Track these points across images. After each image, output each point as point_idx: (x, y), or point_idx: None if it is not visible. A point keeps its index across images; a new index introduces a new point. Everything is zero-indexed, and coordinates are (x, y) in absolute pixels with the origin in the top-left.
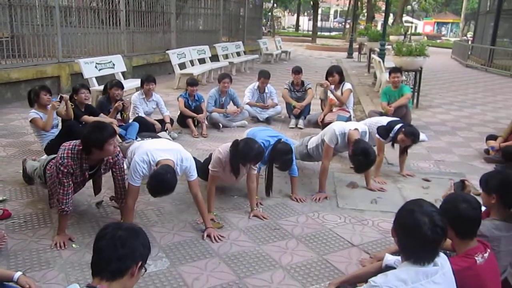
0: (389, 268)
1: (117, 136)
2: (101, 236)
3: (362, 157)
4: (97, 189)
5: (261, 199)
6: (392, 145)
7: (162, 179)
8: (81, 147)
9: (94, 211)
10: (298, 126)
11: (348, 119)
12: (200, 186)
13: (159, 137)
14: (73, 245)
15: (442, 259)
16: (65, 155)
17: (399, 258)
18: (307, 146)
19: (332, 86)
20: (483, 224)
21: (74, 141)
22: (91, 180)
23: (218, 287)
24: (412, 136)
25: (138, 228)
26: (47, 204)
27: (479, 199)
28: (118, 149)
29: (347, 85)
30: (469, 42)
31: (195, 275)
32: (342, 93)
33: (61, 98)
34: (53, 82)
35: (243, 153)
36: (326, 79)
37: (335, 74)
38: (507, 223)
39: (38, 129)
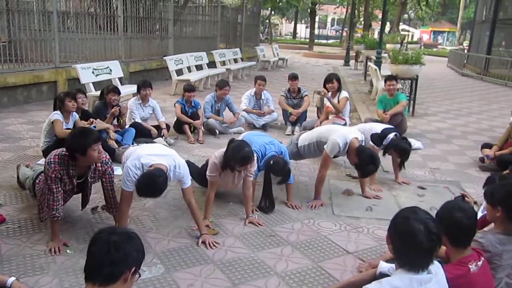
0: (383, 275)
1: (114, 142)
2: (95, 241)
3: (372, 164)
4: (84, 203)
5: (255, 207)
6: (384, 154)
7: (153, 180)
8: (67, 153)
9: (89, 217)
10: (295, 133)
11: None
12: (198, 192)
13: (155, 143)
14: (68, 251)
15: (435, 267)
16: (52, 160)
17: (393, 265)
18: (297, 144)
19: (330, 94)
20: (486, 238)
21: (62, 148)
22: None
23: None
24: (402, 153)
25: (132, 233)
26: None
27: (475, 207)
28: (107, 156)
29: (344, 93)
30: (465, 51)
31: (189, 281)
32: (338, 101)
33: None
34: (50, 87)
35: (231, 153)
36: (325, 86)
37: (334, 81)
38: (510, 237)
39: (53, 131)
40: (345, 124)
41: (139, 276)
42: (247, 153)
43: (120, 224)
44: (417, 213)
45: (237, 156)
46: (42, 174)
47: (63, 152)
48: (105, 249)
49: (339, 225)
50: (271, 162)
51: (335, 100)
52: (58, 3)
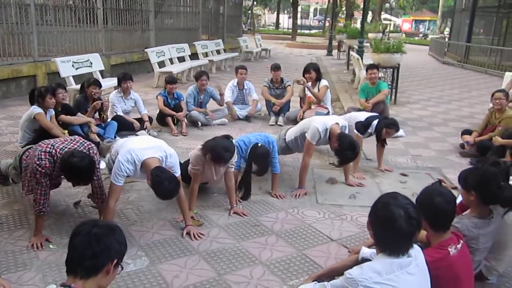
0: (365, 260)
1: (96, 135)
2: (76, 233)
3: (350, 151)
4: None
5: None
6: (377, 139)
7: (166, 190)
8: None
9: (72, 211)
10: (278, 123)
11: (327, 115)
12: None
13: (138, 135)
14: (50, 246)
15: (415, 251)
16: (42, 156)
17: (374, 251)
18: (285, 139)
19: (309, 84)
20: (462, 222)
21: (53, 142)
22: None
23: (198, 284)
24: (394, 126)
25: (114, 226)
26: (23, 205)
27: (455, 192)
28: (95, 151)
29: (323, 82)
30: (446, 39)
31: (174, 273)
32: (319, 90)
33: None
34: (29, 82)
35: (213, 144)
36: (303, 76)
37: (312, 71)
38: (485, 220)
39: (33, 126)
40: (328, 113)
41: (122, 268)
42: (224, 151)
43: (106, 218)
44: (397, 198)
45: (215, 149)
46: (29, 150)
47: (53, 151)
48: (86, 242)
49: (323, 213)
50: (258, 144)
51: (315, 90)
52: None
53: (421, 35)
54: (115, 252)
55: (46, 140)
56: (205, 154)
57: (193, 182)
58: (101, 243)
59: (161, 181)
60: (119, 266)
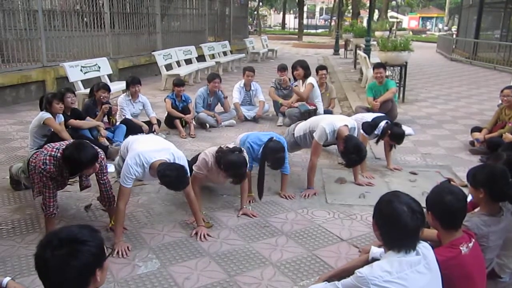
0: (375, 260)
1: (105, 139)
2: (40, 264)
3: (355, 154)
4: (82, 187)
5: (253, 198)
6: (377, 142)
7: (175, 169)
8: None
9: (83, 215)
10: (286, 123)
11: (313, 111)
12: None
13: None
14: None
15: (425, 249)
16: (47, 161)
17: (383, 250)
18: (293, 134)
19: (296, 82)
20: (471, 221)
21: (58, 146)
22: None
23: (209, 286)
24: (397, 139)
25: (76, 235)
26: (35, 210)
27: (465, 190)
28: (103, 157)
29: (309, 80)
30: (454, 36)
31: (185, 274)
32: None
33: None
34: (38, 87)
35: (225, 163)
36: (292, 74)
37: (299, 68)
38: (495, 217)
39: (41, 131)
40: (316, 109)
41: (110, 254)
42: (243, 166)
43: (117, 221)
44: (399, 196)
45: (228, 166)
46: (37, 152)
47: (59, 155)
48: (56, 277)
49: (332, 213)
50: (272, 139)
51: (303, 88)
52: (43, 2)
53: (428, 32)
54: (93, 263)
55: (52, 143)
56: (220, 166)
57: (192, 184)
58: (71, 271)
59: (168, 164)
60: (107, 256)
